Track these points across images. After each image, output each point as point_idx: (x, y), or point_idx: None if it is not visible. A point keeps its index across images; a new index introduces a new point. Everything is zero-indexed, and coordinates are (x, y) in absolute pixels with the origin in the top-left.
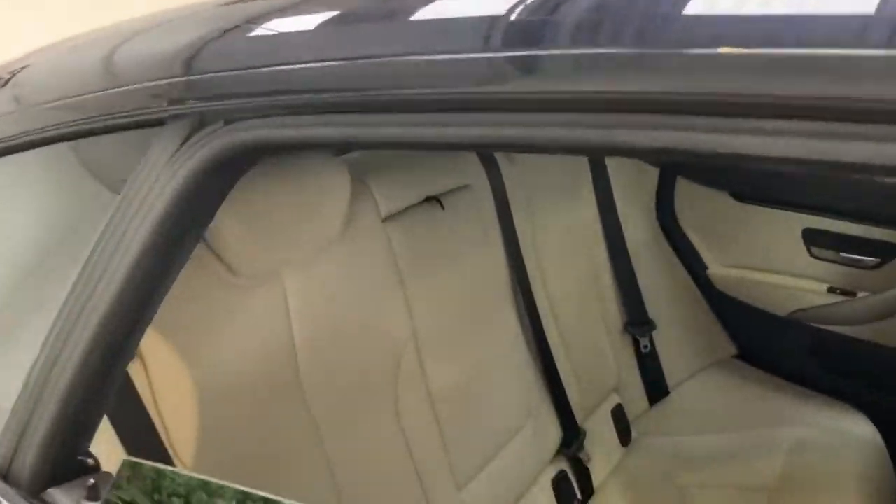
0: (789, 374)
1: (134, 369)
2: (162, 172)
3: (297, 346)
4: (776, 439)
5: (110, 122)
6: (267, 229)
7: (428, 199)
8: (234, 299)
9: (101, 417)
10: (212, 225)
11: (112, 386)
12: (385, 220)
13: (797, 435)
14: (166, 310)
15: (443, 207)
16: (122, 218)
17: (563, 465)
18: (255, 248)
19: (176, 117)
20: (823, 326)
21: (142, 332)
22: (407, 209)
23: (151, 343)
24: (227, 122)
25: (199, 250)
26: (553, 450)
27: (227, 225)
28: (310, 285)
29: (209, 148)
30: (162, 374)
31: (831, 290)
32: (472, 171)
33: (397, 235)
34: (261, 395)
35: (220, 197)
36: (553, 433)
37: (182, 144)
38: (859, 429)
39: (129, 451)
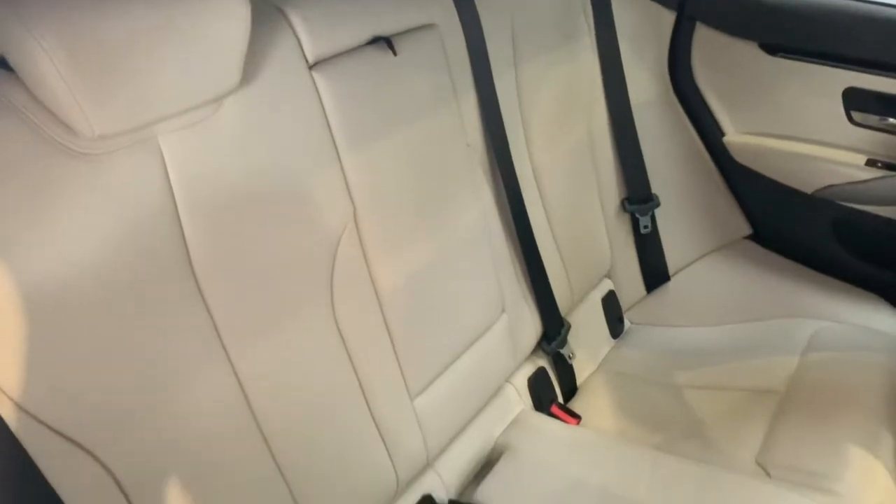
0: (809, 258)
1: None
2: None
3: (186, 231)
4: (790, 334)
5: None
6: (120, 72)
7: (375, 41)
8: (78, 169)
9: None
10: (30, 65)
11: None
12: (313, 66)
13: (814, 329)
14: None
15: (394, 53)
16: None
17: (543, 361)
18: (102, 100)
19: None
20: (855, 206)
21: None
22: (345, 53)
23: None
24: None
25: (14, 98)
26: (531, 346)
27: (56, 65)
28: (200, 149)
29: None
30: None
31: (870, 163)
32: (436, 6)
33: (330, 88)
34: (131, 298)
35: None
36: (532, 327)
37: None
38: (886, 323)
39: None
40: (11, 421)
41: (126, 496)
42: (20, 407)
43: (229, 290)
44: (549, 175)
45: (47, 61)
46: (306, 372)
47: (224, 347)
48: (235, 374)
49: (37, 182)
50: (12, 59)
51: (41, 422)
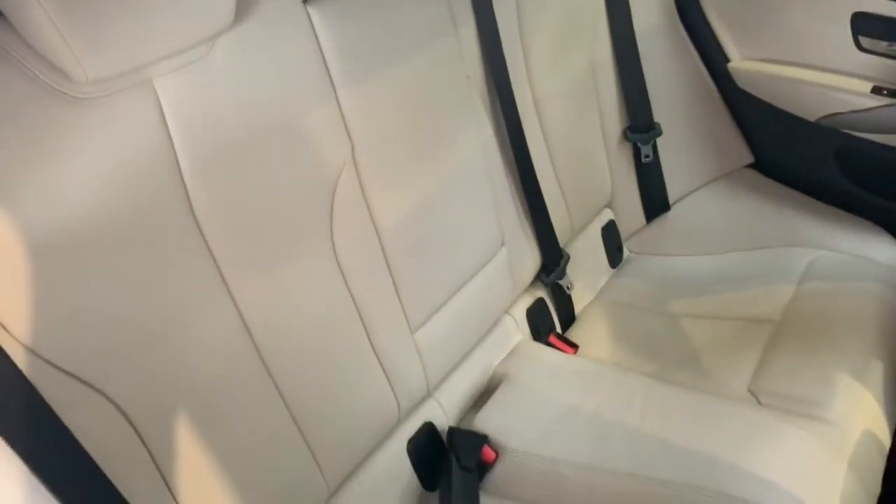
0: (811, 187)
1: None
2: None
3: (185, 172)
4: (787, 263)
5: None
6: (110, 14)
7: None
8: (73, 114)
9: None
10: (20, 9)
11: None
12: (308, 1)
13: (812, 258)
14: None
15: None
16: None
17: (541, 292)
18: (93, 42)
19: None
20: (859, 134)
21: None
22: None
23: None
24: None
25: (6, 44)
26: (530, 278)
27: (45, 9)
28: (195, 89)
29: None
30: None
31: (876, 91)
32: None
33: (325, 22)
34: (133, 240)
35: None
36: (531, 259)
37: None
38: (884, 253)
39: None
40: (22, 363)
41: (136, 431)
42: (29, 349)
43: (229, 228)
44: (550, 105)
45: (37, 6)
46: (307, 306)
47: (225, 283)
48: (237, 309)
49: (34, 127)
50: (5, 9)
51: (50, 362)
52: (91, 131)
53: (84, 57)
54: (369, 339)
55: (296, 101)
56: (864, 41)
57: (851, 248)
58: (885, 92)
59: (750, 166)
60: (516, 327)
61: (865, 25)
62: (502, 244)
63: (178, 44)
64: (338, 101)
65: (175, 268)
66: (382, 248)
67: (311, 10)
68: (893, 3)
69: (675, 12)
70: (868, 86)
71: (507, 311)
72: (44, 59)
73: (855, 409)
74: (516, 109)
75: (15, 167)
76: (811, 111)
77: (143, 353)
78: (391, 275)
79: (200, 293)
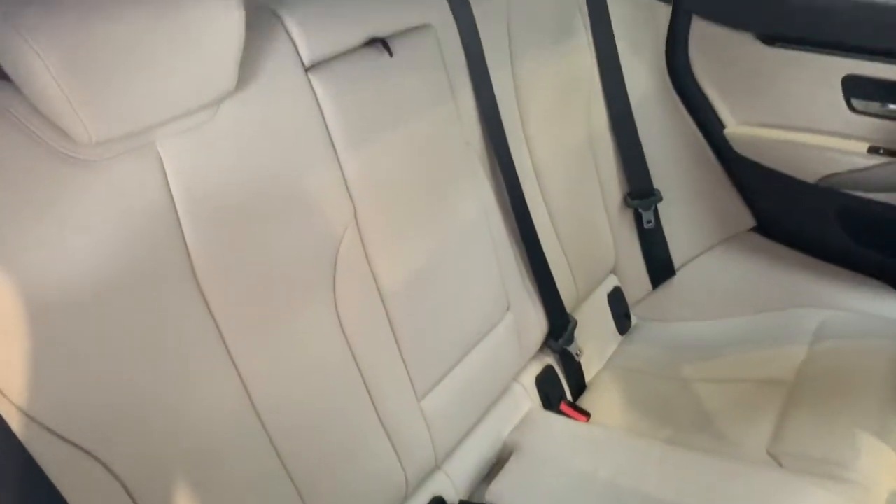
0: (815, 248)
1: None
2: None
3: (187, 235)
4: (797, 324)
5: None
6: (112, 78)
7: (371, 43)
8: (77, 177)
9: None
10: (27, 74)
11: None
12: (310, 69)
13: (822, 318)
14: None
15: (390, 53)
16: None
17: (550, 359)
18: (97, 106)
19: None
20: (859, 194)
21: None
22: (341, 55)
23: None
24: None
25: (12, 107)
26: (538, 344)
27: (52, 73)
28: (199, 153)
29: None
30: None
31: (872, 151)
32: (432, 7)
33: (327, 90)
34: (133, 303)
35: None
36: (538, 325)
37: None
38: (894, 310)
39: None
40: (16, 426)
41: (131, 497)
42: (24, 412)
43: (231, 292)
44: (550, 171)
45: (43, 70)
46: (311, 373)
47: (226, 347)
48: (239, 375)
49: (36, 188)
50: (9, 68)
51: (45, 427)
52: (94, 193)
53: (88, 119)
54: (374, 407)
55: (298, 164)
56: (856, 103)
57: (860, 306)
58: (881, 151)
59: (753, 230)
60: (526, 395)
61: (856, 88)
62: (508, 309)
63: (182, 107)
64: (340, 166)
65: (175, 331)
66: (386, 312)
67: (312, 77)
68: (882, 65)
69: (668, 81)
70: (864, 146)
71: (515, 379)
72: (48, 120)
73: (879, 468)
74: (516, 175)
75: (15, 228)
76: (810, 173)
77: (141, 418)
78: (395, 339)
79: (201, 357)
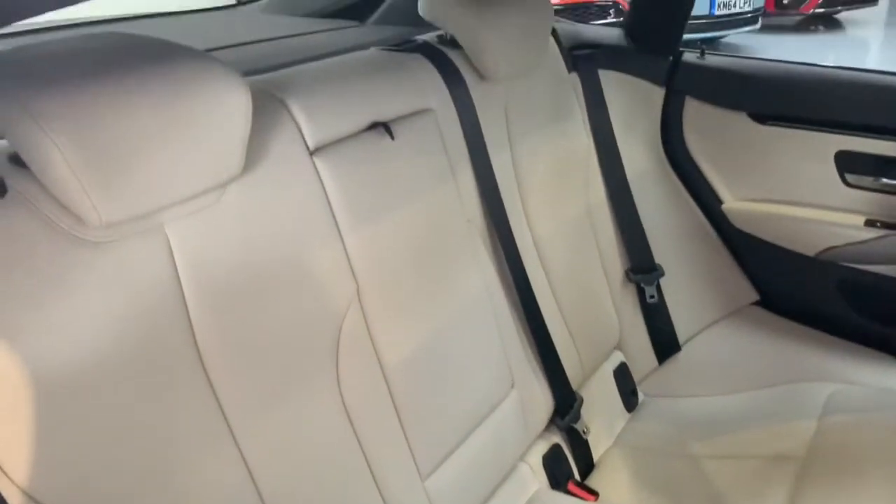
0: (819, 321)
1: None
2: None
3: (192, 315)
4: (805, 399)
5: None
6: (122, 162)
7: (373, 127)
8: (86, 258)
9: None
10: (42, 159)
11: None
12: (314, 152)
13: (829, 392)
14: None
15: (392, 137)
16: None
17: (557, 438)
18: (106, 189)
19: None
20: (859, 266)
21: None
22: (345, 139)
23: None
24: None
25: (26, 192)
26: (544, 422)
27: (60, 152)
28: (205, 235)
29: None
30: None
31: (869, 224)
32: (432, 92)
33: (330, 172)
34: (138, 382)
35: None
36: (543, 402)
37: None
38: None
39: None
40: None
41: None
42: (25, 492)
43: (235, 373)
44: (551, 248)
45: (59, 156)
46: (313, 452)
47: (230, 428)
48: (241, 454)
49: (46, 268)
50: (25, 155)
51: None
52: (102, 274)
53: (99, 202)
54: (377, 487)
55: (302, 244)
56: (850, 177)
57: (868, 379)
58: (878, 224)
59: (756, 303)
60: (533, 475)
61: (849, 163)
62: (512, 386)
63: (189, 191)
64: (343, 244)
65: (179, 411)
66: (389, 390)
67: (317, 159)
68: (873, 140)
69: (664, 159)
70: (861, 219)
71: (522, 458)
72: (60, 204)
73: None
74: (517, 252)
75: (25, 307)
76: (809, 246)
77: (143, 500)
78: (398, 417)
79: (204, 437)
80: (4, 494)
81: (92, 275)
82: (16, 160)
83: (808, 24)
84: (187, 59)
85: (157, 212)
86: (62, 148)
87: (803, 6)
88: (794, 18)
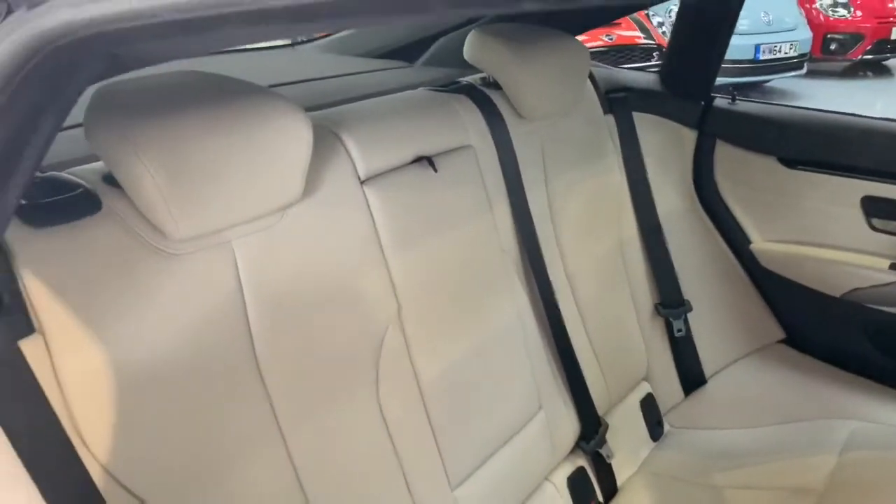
0: (844, 361)
1: (31, 350)
2: None
3: (252, 324)
4: (827, 435)
5: None
6: (197, 184)
7: (418, 160)
8: (165, 267)
9: None
10: (134, 179)
11: None
12: (364, 181)
13: (851, 429)
14: (73, 281)
15: (435, 170)
16: None
17: (582, 461)
18: (183, 206)
19: None
20: (884, 308)
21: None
22: (392, 170)
23: (54, 319)
24: (30, 6)
25: (117, 208)
26: (570, 444)
27: (146, 173)
28: (267, 252)
29: (6, 46)
30: (69, 355)
31: (893, 267)
32: (473, 130)
33: (379, 200)
34: (202, 376)
35: (48, 117)
36: (570, 426)
37: None
38: None
39: (23, 452)
40: (99, 483)
41: None
42: (103, 467)
43: (286, 378)
44: (583, 279)
45: (149, 179)
46: (353, 457)
47: (281, 431)
48: (290, 456)
49: (131, 275)
50: (119, 176)
51: (121, 484)
52: (178, 282)
53: (180, 219)
54: (410, 492)
55: (351, 264)
56: (876, 222)
57: (889, 418)
58: None
59: (782, 341)
60: (557, 495)
61: (875, 208)
62: (540, 408)
63: (255, 212)
64: (387, 267)
65: (236, 410)
66: (424, 403)
67: (366, 188)
68: None
69: (695, 198)
70: (886, 262)
71: (547, 478)
72: (146, 219)
73: None
74: (549, 281)
75: (113, 309)
76: (835, 287)
77: (200, 484)
78: (432, 430)
79: (257, 437)
80: (88, 468)
81: (169, 282)
82: (109, 180)
83: (857, 70)
84: (257, 97)
85: (226, 229)
86: (153, 172)
87: (851, 52)
88: (842, 64)
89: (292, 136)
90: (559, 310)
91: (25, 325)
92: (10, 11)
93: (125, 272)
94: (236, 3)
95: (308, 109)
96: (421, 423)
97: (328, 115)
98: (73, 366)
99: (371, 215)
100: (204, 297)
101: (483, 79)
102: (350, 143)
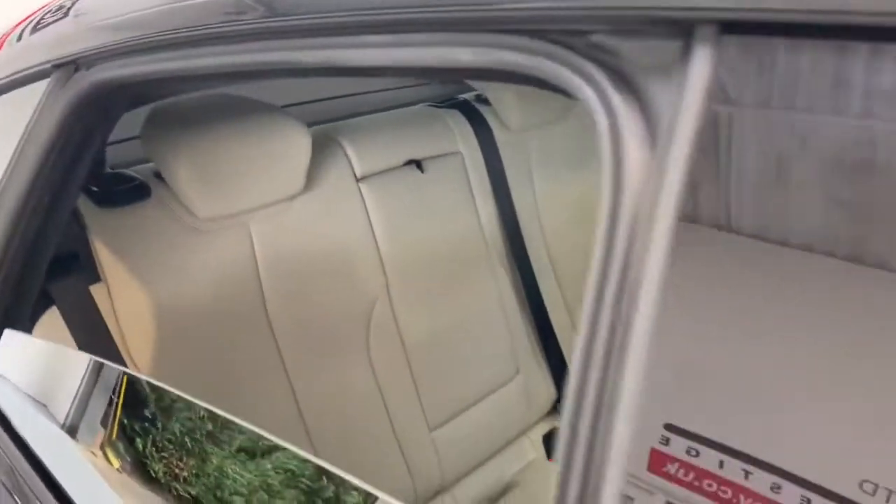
0: None
1: (97, 291)
2: (44, 111)
3: (265, 288)
4: None
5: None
6: (221, 178)
7: (409, 163)
8: (196, 240)
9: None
10: (174, 174)
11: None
12: (360, 179)
13: None
14: (129, 246)
15: (422, 171)
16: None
17: (558, 423)
18: (210, 194)
19: (57, 67)
20: None
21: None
22: (385, 171)
23: (114, 268)
24: (88, 67)
25: (162, 189)
26: (546, 407)
27: (183, 170)
28: (278, 233)
29: (74, 90)
30: (125, 300)
31: None
32: (462, 139)
33: (372, 195)
34: (225, 324)
35: (99, 133)
36: (547, 391)
37: (58, 88)
38: None
39: None
40: None
41: None
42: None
43: (292, 331)
44: (566, 263)
45: (185, 174)
46: (346, 397)
47: (286, 371)
48: (293, 390)
49: (170, 244)
50: (165, 174)
51: None
52: (206, 252)
53: (206, 202)
54: (393, 429)
55: (347, 246)
56: None
57: None
58: None
59: None
60: (532, 448)
61: None
62: (518, 372)
63: (265, 200)
64: (378, 250)
65: (251, 353)
66: (408, 360)
67: (362, 185)
68: None
69: None
70: None
71: (524, 434)
72: (180, 202)
73: None
74: (531, 265)
75: (157, 268)
76: None
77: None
78: (413, 381)
79: (266, 374)
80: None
81: (201, 252)
82: (158, 176)
83: None
84: (267, 114)
85: (243, 213)
86: (187, 168)
87: None
88: None
89: (293, 142)
90: (539, 290)
91: (94, 275)
92: (77, 69)
93: (166, 243)
94: (202, 68)
95: (320, 122)
96: (404, 376)
97: (334, 126)
98: (128, 308)
99: (365, 207)
100: (226, 264)
101: (477, 95)
102: (348, 147)
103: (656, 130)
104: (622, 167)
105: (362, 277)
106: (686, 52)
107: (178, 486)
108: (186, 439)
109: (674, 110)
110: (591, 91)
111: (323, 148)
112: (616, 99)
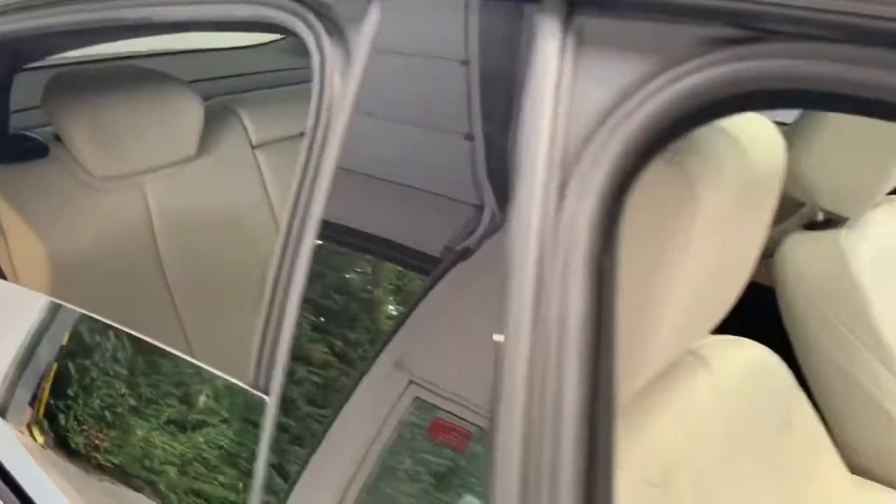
0: None
1: None
2: None
3: (160, 244)
4: None
5: None
6: (115, 138)
7: (301, 135)
8: (92, 197)
9: None
10: (71, 136)
11: None
12: (256, 147)
13: None
14: (27, 201)
15: None
16: None
17: None
18: (105, 154)
19: None
20: None
21: None
22: (278, 140)
23: (12, 223)
24: None
25: (60, 150)
26: None
27: (79, 130)
28: (172, 194)
29: None
30: (21, 249)
31: None
32: None
33: (267, 161)
34: (120, 278)
35: None
36: None
37: None
38: None
39: None
40: None
41: None
42: None
43: (188, 288)
44: None
45: (80, 135)
46: (240, 354)
47: (178, 316)
48: (184, 333)
49: (68, 202)
50: (62, 134)
51: None
52: (102, 209)
53: (102, 161)
54: None
55: (242, 209)
56: None
57: None
58: None
59: None
60: None
61: None
62: None
63: (158, 163)
64: (271, 208)
65: (144, 301)
66: None
67: (258, 152)
68: None
69: None
70: None
71: None
72: (79, 163)
73: None
74: None
75: (52, 223)
76: None
77: None
78: None
79: (161, 321)
80: None
81: (97, 208)
82: (56, 137)
83: None
84: (163, 83)
85: (137, 173)
86: (83, 130)
87: None
88: None
89: (185, 110)
90: None
91: None
92: None
93: (64, 199)
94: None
95: (228, 93)
96: None
97: (234, 98)
98: (25, 261)
99: (261, 173)
100: (121, 221)
101: None
102: (245, 116)
103: (350, 65)
104: (324, 94)
105: (256, 237)
106: (368, 6)
107: (98, 455)
108: (106, 413)
109: (361, 49)
110: (311, 36)
111: (220, 117)
112: (326, 41)
